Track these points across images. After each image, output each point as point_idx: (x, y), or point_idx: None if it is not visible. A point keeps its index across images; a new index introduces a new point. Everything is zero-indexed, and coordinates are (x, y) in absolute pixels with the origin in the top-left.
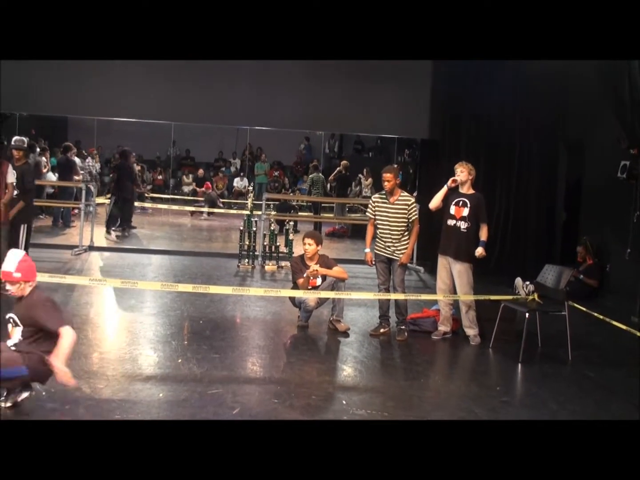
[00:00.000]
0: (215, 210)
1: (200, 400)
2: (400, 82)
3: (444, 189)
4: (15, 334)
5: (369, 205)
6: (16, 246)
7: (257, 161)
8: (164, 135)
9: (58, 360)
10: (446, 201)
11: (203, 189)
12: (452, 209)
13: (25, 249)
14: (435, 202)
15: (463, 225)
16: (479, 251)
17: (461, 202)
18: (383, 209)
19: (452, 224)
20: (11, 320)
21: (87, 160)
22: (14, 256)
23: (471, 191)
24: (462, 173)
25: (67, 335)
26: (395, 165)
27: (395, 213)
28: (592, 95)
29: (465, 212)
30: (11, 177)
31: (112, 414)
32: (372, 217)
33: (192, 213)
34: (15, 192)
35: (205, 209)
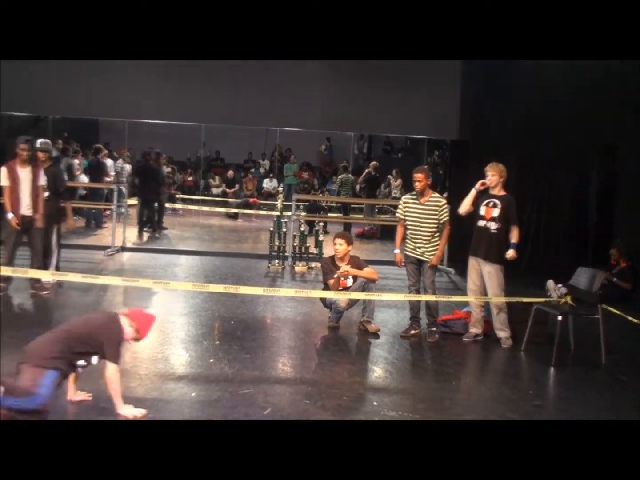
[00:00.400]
0: (246, 211)
1: (232, 400)
2: (429, 83)
3: (473, 193)
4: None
5: (399, 206)
6: (49, 247)
7: (286, 162)
8: (194, 137)
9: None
10: (476, 202)
11: (233, 189)
12: (482, 210)
13: (57, 249)
14: (464, 206)
15: (493, 226)
16: (510, 253)
17: (491, 203)
18: (413, 210)
19: (482, 225)
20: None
21: (117, 162)
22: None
23: (502, 192)
24: (493, 177)
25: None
26: (426, 166)
27: (426, 214)
28: (625, 95)
29: (496, 213)
30: (42, 180)
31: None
32: (402, 218)
33: (234, 214)
34: (46, 194)
35: (240, 210)
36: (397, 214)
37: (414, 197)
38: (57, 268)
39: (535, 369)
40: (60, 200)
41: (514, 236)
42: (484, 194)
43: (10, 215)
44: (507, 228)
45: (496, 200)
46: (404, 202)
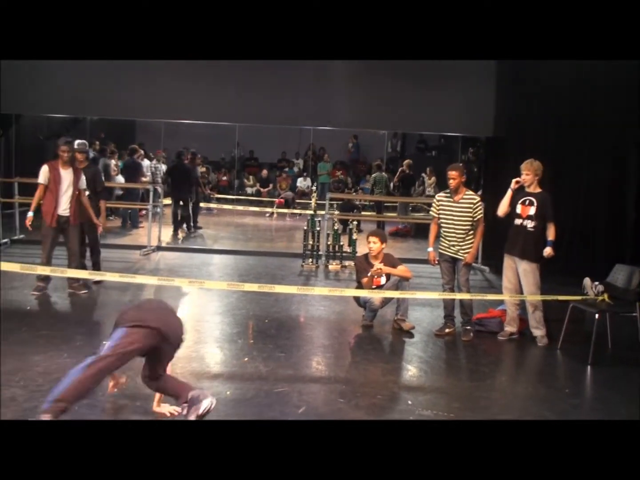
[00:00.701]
0: (281, 210)
1: (267, 398)
2: (463, 79)
3: (509, 193)
4: None
5: (433, 204)
6: (94, 244)
7: (319, 161)
8: (229, 137)
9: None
10: (513, 200)
11: (267, 189)
12: (519, 208)
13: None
14: (502, 208)
15: (530, 224)
16: (547, 251)
17: (527, 201)
18: (447, 208)
19: (519, 223)
20: None
21: (153, 162)
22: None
23: (538, 189)
24: (527, 176)
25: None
26: (460, 164)
27: (460, 212)
28: None
29: (532, 210)
30: (83, 183)
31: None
32: (436, 215)
33: (272, 214)
34: (86, 194)
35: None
36: (430, 212)
37: (448, 195)
38: (99, 267)
39: (571, 367)
40: (98, 200)
41: (551, 233)
42: (520, 192)
43: (30, 214)
44: (543, 226)
45: (532, 198)
46: (438, 200)
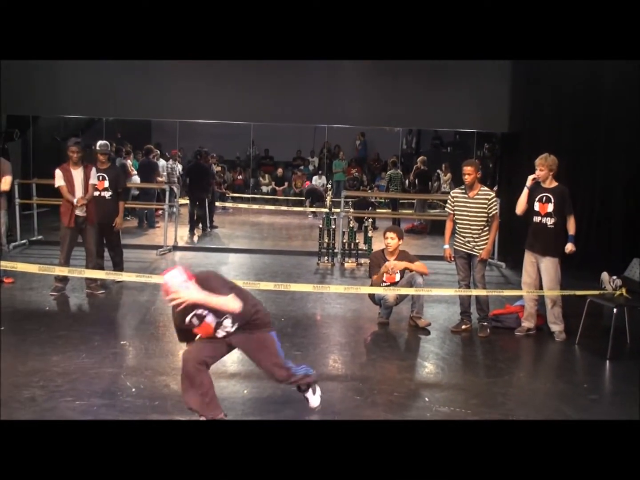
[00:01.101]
0: (296, 208)
1: (283, 397)
2: (478, 75)
3: (525, 191)
4: (210, 322)
5: (448, 201)
6: (116, 244)
7: (334, 159)
8: (244, 136)
9: (200, 294)
10: (529, 197)
11: (282, 187)
12: (537, 206)
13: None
14: (520, 206)
15: (549, 221)
16: (569, 247)
17: (545, 198)
18: (462, 204)
19: (538, 221)
20: (194, 318)
21: (169, 162)
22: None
23: (554, 184)
24: (542, 172)
25: (229, 299)
26: (475, 160)
27: (475, 208)
28: None
29: (550, 207)
30: (94, 179)
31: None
32: (451, 212)
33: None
34: (109, 194)
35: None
36: (446, 209)
37: (463, 191)
38: (121, 267)
39: (590, 362)
40: (118, 200)
41: (571, 228)
42: (536, 189)
43: (75, 200)
44: (563, 220)
45: (549, 195)
46: (453, 197)
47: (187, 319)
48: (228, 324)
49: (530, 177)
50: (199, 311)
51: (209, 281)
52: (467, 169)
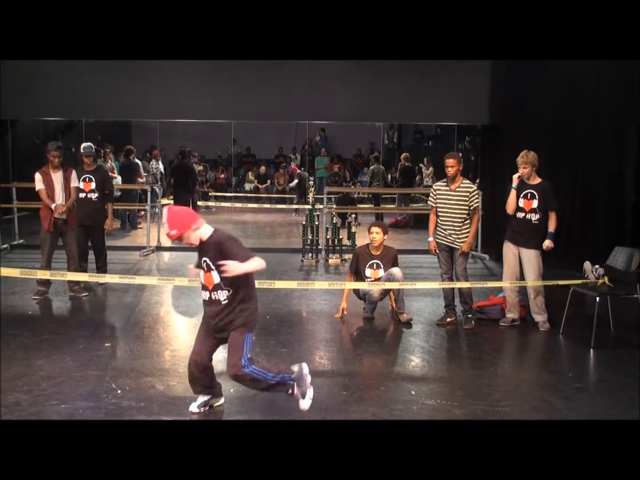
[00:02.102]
0: (279, 206)
1: (270, 394)
2: (457, 68)
3: (513, 192)
4: (214, 277)
5: (431, 194)
6: (102, 246)
7: (317, 155)
8: (225, 135)
9: (237, 265)
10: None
11: (265, 185)
12: (521, 202)
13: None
14: (510, 206)
15: (534, 217)
16: (547, 244)
17: (529, 195)
18: (444, 197)
19: (522, 217)
20: (204, 264)
21: (150, 163)
22: (164, 216)
23: (537, 180)
24: (525, 169)
25: (256, 260)
26: (458, 153)
27: (457, 200)
28: None
29: (535, 204)
30: (75, 182)
31: (185, 410)
32: (434, 205)
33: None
34: (95, 196)
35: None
36: (428, 202)
37: (445, 184)
38: (105, 271)
39: (574, 351)
40: (104, 201)
41: (552, 224)
42: (520, 186)
43: (54, 205)
44: (547, 216)
45: (533, 191)
46: (435, 190)
47: (201, 260)
48: (222, 295)
49: (516, 176)
50: (209, 262)
51: (231, 246)
52: (450, 161)
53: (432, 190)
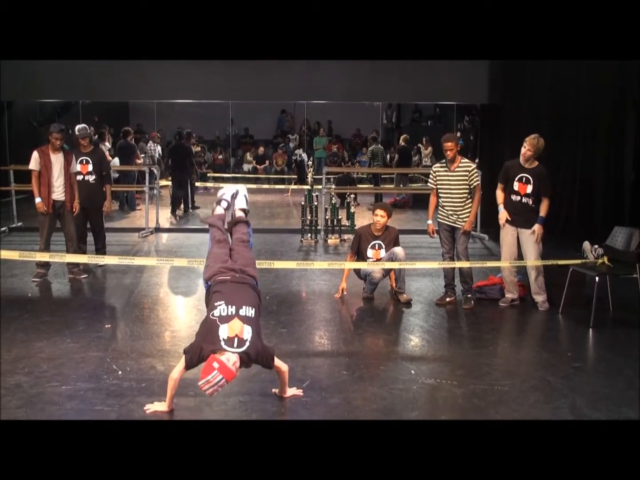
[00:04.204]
0: (277, 186)
1: (271, 373)
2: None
3: (502, 212)
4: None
5: (430, 176)
6: (100, 229)
7: (315, 136)
8: (223, 115)
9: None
10: (508, 176)
11: (264, 165)
12: (516, 185)
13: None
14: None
15: (529, 201)
16: (535, 229)
17: (524, 179)
18: (444, 177)
19: (518, 200)
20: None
21: (148, 144)
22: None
23: (534, 164)
24: (528, 152)
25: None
26: (458, 134)
27: (457, 180)
28: None
29: (529, 189)
30: (74, 167)
31: (185, 390)
32: (434, 187)
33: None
34: (93, 178)
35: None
36: (429, 184)
37: (444, 165)
38: (104, 253)
39: (573, 331)
40: (103, 183)
41: (544, 209)
42: (516, 168)
43: (37, 200)
44: (541, 200)
45: (528, 176)
46: (435, 171)
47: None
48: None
49: (502, 221)
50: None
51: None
52: (448, 144)
53: (431, 171)
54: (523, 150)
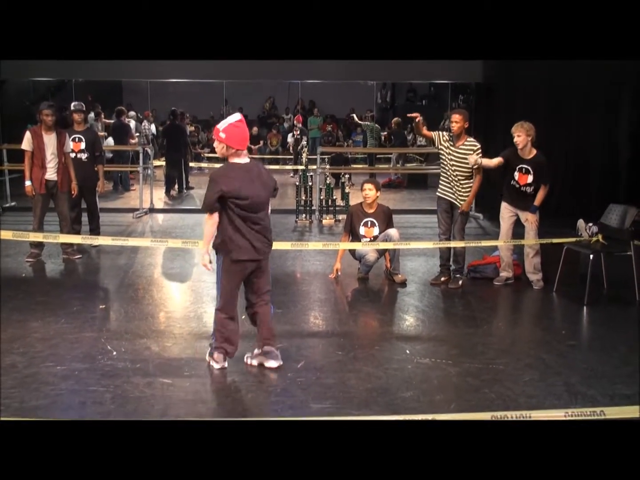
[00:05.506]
0: (272, 166)
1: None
2: None
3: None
4: None
5: (439, 133)
6: (94, 208)
7: (310, 115)
8: (216, 95)
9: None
10: (509, 165)
11: (257, 146)
12: (516, 176)
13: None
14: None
15: (529, 189)
16: (529, 218)
17: (524, 169)
18: (448, 151)
19: (517, 187)
20: None
21: (143, 124)
22: (230, 118)
23: (532, 153)
24: (520, 137)
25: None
26: (465, 110)
27: (460, 158)
28: None
29: (530, 179)
30: (67, 146)
31: (180, 370)
32: (433, 136)
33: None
34: (85, 156)
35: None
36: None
37: (451, 138)
38: (98, 233)
39: (568, 309)
40: (95, 163)
41: (539, 198)
42: (515, 158)
43: (27, 183)
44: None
45: (528, 166)
46: (443, 136)
47: None
48: None
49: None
50: None
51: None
52: (455, 116)
53: (440, 132)
54: (515, 139)
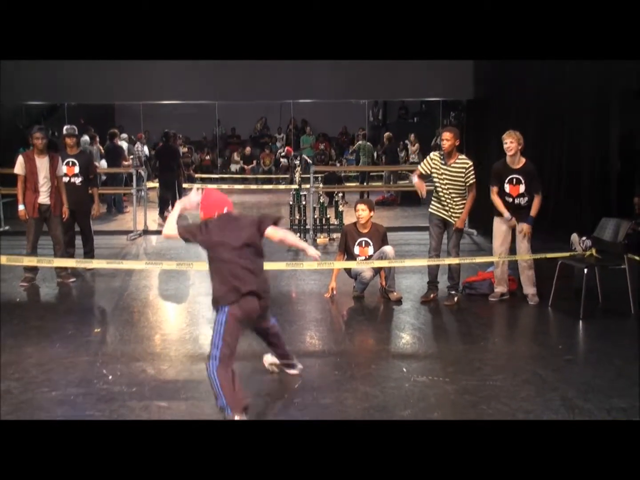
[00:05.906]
0: (265, 187)
1: (263, 374)
2: None
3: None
4: None
5: (425, 161)
6: (88, 232)
7: (302, 134)
8: (209, 116)
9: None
10: (499, 178)
11: (251, 166)
12: (507, 188)
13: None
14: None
15: (523, 201)
16: (524, 228)
17: (515, 180)
18: (440, 170)
19: (511, 201)
20: None
21: (135, 146)
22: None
23: (521, 163)
24: (512, 144)
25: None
26: (456, 128)
27: (452, 175)
28: None
29: (522, 189)
30: (60, 170)
31: (177, 394)
32: (423, 172)
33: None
34: (79, 180)
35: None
36: (419, 166)
37: (442, 157)
38: (92, 256)
39: (564, 323)
40: (89, 186)
41: (534, 208)
42: (505, 170)
43: (20, 207)
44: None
45: (518, 176)
46: (432, 159)
47: None
48: None
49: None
50: None
51: None
52: (446, 134)
53: (428, 157)
54: (506, 146)
